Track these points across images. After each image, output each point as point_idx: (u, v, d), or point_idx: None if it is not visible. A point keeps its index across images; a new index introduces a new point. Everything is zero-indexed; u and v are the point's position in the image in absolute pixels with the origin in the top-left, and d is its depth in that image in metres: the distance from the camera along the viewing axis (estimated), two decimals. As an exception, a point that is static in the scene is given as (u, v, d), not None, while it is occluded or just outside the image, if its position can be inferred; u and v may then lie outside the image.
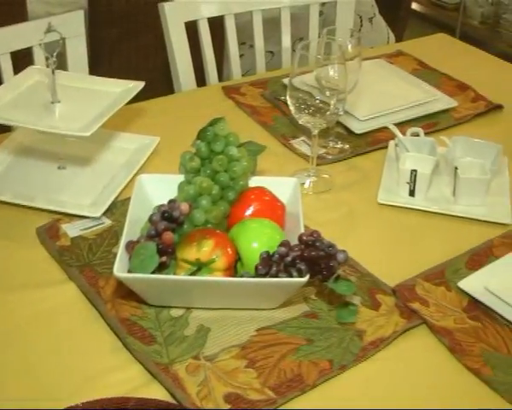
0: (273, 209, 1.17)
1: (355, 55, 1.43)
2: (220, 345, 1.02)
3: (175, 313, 1.08)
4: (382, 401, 0.97)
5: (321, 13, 2.53)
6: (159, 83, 2.03)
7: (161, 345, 1.02)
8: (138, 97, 1.53)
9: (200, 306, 1.08)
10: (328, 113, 1.30)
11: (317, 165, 1.42)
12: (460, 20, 4.87)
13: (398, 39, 2.99)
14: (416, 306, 1.10)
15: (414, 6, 5.36)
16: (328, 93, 1.32)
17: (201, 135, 1.19)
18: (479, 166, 1.38)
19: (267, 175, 1.34)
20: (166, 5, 1.79)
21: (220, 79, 2.04)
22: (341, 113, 1.33)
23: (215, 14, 1.85)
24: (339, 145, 1.51)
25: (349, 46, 1.42)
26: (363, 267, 1.18)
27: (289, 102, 1.31)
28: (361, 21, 2.68)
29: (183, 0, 1.83)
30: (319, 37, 1.48)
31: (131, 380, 0.98)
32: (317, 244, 1.02)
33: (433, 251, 1.24)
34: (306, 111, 1.30)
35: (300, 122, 1.32)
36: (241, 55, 2.27)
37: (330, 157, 1.48)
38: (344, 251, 1.03)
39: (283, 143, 1.52)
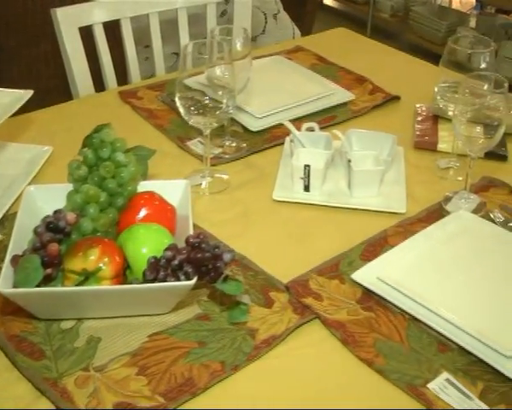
0: (163, 213, 1.15)
1: (245, 54, 1.43)
2: (110, 354, 1.00)
3: (65, 325, 1.05)
4: (275, 399, 0.97)
5: (224, 12, 2.54)
6: (61, 90, 2.00)
7: (50, 359, 1.00)
8: (39, 105, 1.50)
9: (90, 316, 1.06)
10: (218, 112, 1.30)
11: (214, 165, 1.42)
12: (371, 14, 4.94)
13: (307, 34, 3.00)
14: (308, 301, 1.10)
15: (327, 1, 5.44)
16: (220, 92, 1.32)
17: (87, 142, 1.17)
18: (373, 158, 1.39)
19: (163, 178, 1.32)
20: (58, 11, 1.75)
21: (127, 82, 2.01)
22: (231, 111, 1.32)
23: (109, 18, 1.82)
24: (235, 144, 1.51)
25: (238, 45, 1.42)
26: (256, 266, 1.17)
27: (178, 104, 1.30)
28: (265, 18, 2.68)
29: (75, 5, 1.79)
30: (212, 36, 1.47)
31: (20, 398, 0.95)
32: (203, 246, 1.01)
33: (329, 245, 1.25)
34: (196, 111, 1.29)
35: (191, 123, 1.31)
36: (146, 58, 2.25)
37: (227, 156, 1.47)
38: (230, 251, 1.02)
39: (179, 145, 1.51)
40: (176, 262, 1.01)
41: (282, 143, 1.50)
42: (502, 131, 1.29)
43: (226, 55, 1.30)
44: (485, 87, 1.32)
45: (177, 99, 1.30)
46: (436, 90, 1.46)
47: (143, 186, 1.20)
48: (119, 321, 1.06)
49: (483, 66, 1.41)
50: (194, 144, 1.49)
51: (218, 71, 1.34)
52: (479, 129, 1.31)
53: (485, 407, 0.96)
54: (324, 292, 1.13)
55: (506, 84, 1.28)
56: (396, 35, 4.82)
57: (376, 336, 1.06)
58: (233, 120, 1.54)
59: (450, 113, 1.40)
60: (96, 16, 1.80)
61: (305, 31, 3.04)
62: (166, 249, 1.02)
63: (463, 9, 5.10)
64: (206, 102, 1.30)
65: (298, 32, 2.74)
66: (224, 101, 1.31)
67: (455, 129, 1.32)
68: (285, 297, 1.12)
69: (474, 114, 1.31)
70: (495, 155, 1.52)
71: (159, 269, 1.02)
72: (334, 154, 1.41)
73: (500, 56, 4.29)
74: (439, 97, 1.46)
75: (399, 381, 0.99)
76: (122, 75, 1.97)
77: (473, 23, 4.75)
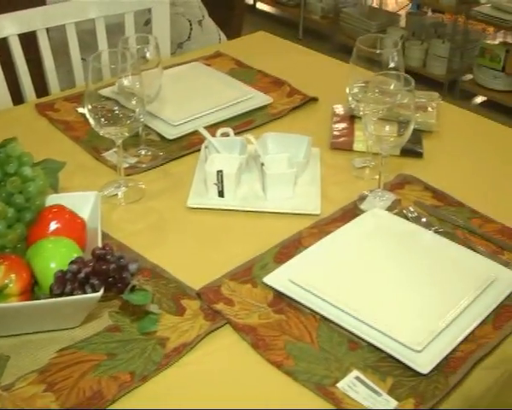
0: (72, 226, 1.15)
1: (157, 62, 1.44)
2: (19, 372, 0.99)
3: (-26, 344, 1.04)
4: (185, 405, 0.97)
5: (148, 21, 2.52)
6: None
7: (-43, 381, 0.98)
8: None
9: (-1, 334, 1.05)
10: (129, 121, 1.30)
11: (130, 174, 1.42)
12: (302, 16, 4.98)
13: (236, 38, 3.01)
14: (219, 306, 1.11)
15: (260, 6, 5.46)
16: (134, 101, 1.32)
17: (-7, 158, 1.16)
18: (286, 160, 1.40)
19: (78, 190, 1.31)
20: (-29, 24, 1.73)
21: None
22: (142, 120, 1.32)
23: (23, 30, 1.80)
24: (151, 153, 1.50)
25: (148, 53, 1.42)
26: (169, 274, 1.17)
27: (88, 115, 1.29)
28: (190, 25, 2.68)
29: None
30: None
31: None
32: (108, 257, 1.01)
33: (243, 249, 1.25)
34: (107, 122, 1.29)
35: (101, 134, 1.31)
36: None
37: (143, 166, 1.47)
38: (136, 261, 1.02)
39: (95, 156, 1.50)
40: (82, 275, 1.00)
41: (199, 150, 1.50)
42: (411, 128, 1.31)
43: (135, 64, 1.31)
44: (392, 86, 1.34)
45: (86, 110, 1.29)
46: (347, 90, 1.48)
47: (53, 200, 1.19)
48: (28, 338, 1.05)
49: (392, 65, 1.44)
50: (110, 155, 1.48)
51: (128, 80, 1.33)
52: (388, 127, 1.33)
53: (394, 401, 0.98)
54: (236, 297, 1.13)
55: (413, 82, 1.30)
56: (327, 36, 4.87)
57: (287, 339, 1.06)
58: (149, 129, 1.54)
59: (361, 112, 1.42)
60: (10, 28, 1.77)
61: (234, 34, 3.04)
62: (72, 263, 1.02)
63: (397, 9, 5.17)
64: (117, 112, 1.30)
65: (224, 37, 2.75)
66: (137, 110, 1.31)
67: (365, 128, 1.34)
68: (196, 304, 1.12)
69: (385, 113, 1.33)
70: (411, 153, 1.54)
71: (65, 283, 1.01)
72: (249, 158, 1.42)
73: (430, 54, 4.36)
74: (350, 98, 1.48)
75: (308, 382, 1.00)
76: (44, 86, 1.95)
77: (403, 23, 4.83)
